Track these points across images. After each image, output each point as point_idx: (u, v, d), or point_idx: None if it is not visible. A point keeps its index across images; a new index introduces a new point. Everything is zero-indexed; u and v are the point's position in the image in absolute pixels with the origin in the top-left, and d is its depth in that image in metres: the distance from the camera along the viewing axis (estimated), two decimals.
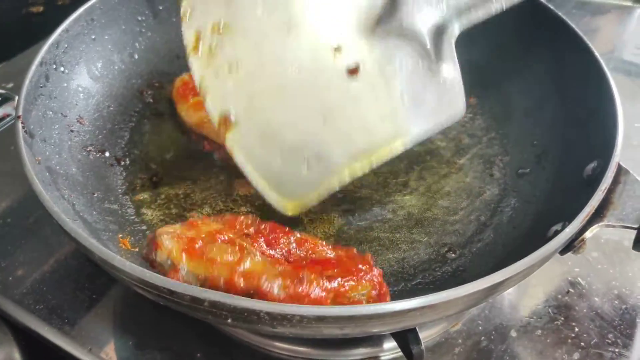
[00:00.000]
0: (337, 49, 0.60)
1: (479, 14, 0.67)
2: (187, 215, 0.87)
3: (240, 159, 0.61)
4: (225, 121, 0.61)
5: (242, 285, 0.65)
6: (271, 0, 0.59)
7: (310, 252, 0.71)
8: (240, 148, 0.61)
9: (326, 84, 0.60)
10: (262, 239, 0.70)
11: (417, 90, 0.63)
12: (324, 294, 0.66)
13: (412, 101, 0.62)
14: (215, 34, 0.61)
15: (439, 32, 0.64)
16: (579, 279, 0.91)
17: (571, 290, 0.89)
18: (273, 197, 0.62)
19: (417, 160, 0.98)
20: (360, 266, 0.70)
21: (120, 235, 0.81)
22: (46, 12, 1.47)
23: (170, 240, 0.70)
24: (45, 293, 0.85)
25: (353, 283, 0.70)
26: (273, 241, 0.69)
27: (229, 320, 0.60)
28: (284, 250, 0.71)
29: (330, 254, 0.71)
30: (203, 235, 0.69)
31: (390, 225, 0.87)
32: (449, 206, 0.90)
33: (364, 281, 0.70)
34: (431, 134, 0.65)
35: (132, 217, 0.86)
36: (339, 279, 0.67)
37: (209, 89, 0.62)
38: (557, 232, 0.68)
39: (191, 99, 1.00)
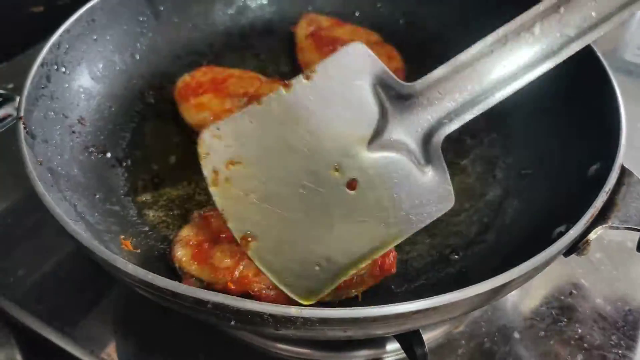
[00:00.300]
0: (337, 168, 0.71)
1: (465, 118, 0.74)
2: (189, 216, 0.86)
3: (261, 267, 0.71)
4: (246, 239, 0.72)
5: (236, 290, 0.71)
6: (275, 134, 0.71)
7: None
8: (260, 259, 0.72)
9: (329, 199, 0.71)
10: None
11: (410, 193, 0.71)
12: None
13: (406, 203, 0.72)
14: (230, 169, 0.72)
15: (427, 139, 0.73)
16: (582, 280, 0.90)
17: (574, 291, 0.89)
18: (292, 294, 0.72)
19: None
20: None
21: (123, 237, 0.80)
22: (47, 11, 1.47)
23: (181, 250, 0.76)
24: (46, 294, 0.86)
25: None
26: None
27: (233, 323, 0.59)
28: None
29: None
30: (211, 235, 0.77)
31: None
32: (452, 207, 0.89)
33: None
34: (424, 225, 0.74)
35: (134, 219, 0.86)
36: None
37: (230, 216, 0.72)
38: (561, 234, 0.68)
39: (193, 99, 1.00)
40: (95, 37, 1.00)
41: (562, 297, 0.88)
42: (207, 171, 0.72)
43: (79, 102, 0.95)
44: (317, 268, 0.70)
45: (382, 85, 0.72)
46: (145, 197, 0.90)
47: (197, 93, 1.00)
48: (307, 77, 0.71)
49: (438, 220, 0.87)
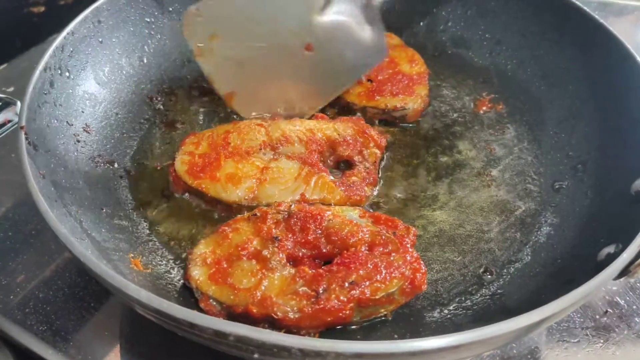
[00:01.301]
0: (296, 34, 0.95)
1: None
2: (204, 231, 0.81)
3: (241, 113, 1.00)
4: (229, 95, 1.00)
5: (258, 313, 0.68)
6: (245, 11, 0.94)
7: (339, 242, 0.74)
8: (239, 109, 1.00)
9: (291, 59, 0.97)
10: (291, 238, 0.75)
11: (354, 50, 0.96)
12: (343, 305, 0.67)
13: (351, 57, 0.96)
14: (212, 41, 0.96)
15: (368, 2, 0.95)
16: (617, 298, 0.85)
17: (609, 310, 0.83)
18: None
19: (445, 172, 0.92)
20: (391, 257, 0.71)
21: (132, 255, 0.75)
22: (48, 12, 1.42)
23: (198, 269, 0.73)
24: (47, 311, 0.80)
25: (379, 285, 0.69)
26: (302, 239, 0.75)
27: (256, 355, 0.54)
28: (312, 246, 0.75)
29: (365, 235, 0.75)
30: (230, 251, 0.74)
31: (421, 243, 0.81)
32: (483, 222, 0.84)
33: (395, 280, 0.69)
34: (365, 73, 0.99)
35: (144, 235, 0.81)
36: (364, 285, 0.68)
37: (215, 78, 0.99)
38: (610, 256, 0.63)
39: (216, 175, 0.85)
40: (101, 40, 0.96)
41: (597, 317, 0.82)
42: (193, 46, 0.96)
43: (84, 108, 0.90)
44: (280, 110, 0.98)
45: None
46: (156, 210, 0.85)
47: (214, 167, 0.85)
48: None
49: (467, 236, 0.83)
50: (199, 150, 0.88)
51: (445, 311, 0.72)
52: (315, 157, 0.87)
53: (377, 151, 0.91)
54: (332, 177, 0.86)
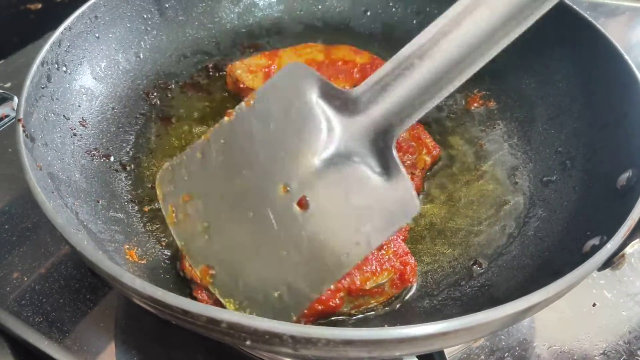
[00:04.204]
0: (286, 188, 0.68)
1: (414, 117, 0.69)
2: None
3: (222, 299, 0.68)
4: (206, 273, 0.69)
5: None
6: (222, 164, 0.71)
7: None
8: (220, 291, 0.68)
9: (279, 221, 0.67)
10: None
11: (368, 203, 0.67)
12: (332, 294, 0.67)
13: (365, 214, 0.66)
14: (185, 204, 0.72)
15: (379, 144, 0.69)
16: (605, 291, 0.86)
17: (597, 303, 0.85)
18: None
19: (437, 166, 0.93)
20: (382, 250, 0.71)
21: (127, 246, 0.76)
22: (44, 9, 1.43)
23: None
24: (43, 303, 0.81)
25: (369, 276, 0.69)
26: None
27: (248, 342, 0.55)
28: None
29: None
30: None
31: (412, 236, 0.83)
32: (473, 216, 0.85)
33: (385, 272, 0.70)
34: (392, 235, 0.71)
35: (139, 226, 0.82)
36: (353, 274, 0.68)
37: (188, 251, 0.71)
38: (594, 247, 0.64)
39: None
40: (97, 35, 0.96)
41: (584, 310, 0.84)
42: (165, 210, 0.72)
43: (81, 103, 0.91)
44: (276, 295, 0.66)
45: (325, 97, 0.70)
46: (151, 203, 0.86)
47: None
48: (247, 103, 0.71)
49: (457, 229, 0.84)
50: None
51: (435, 301, 0.74)
52: None
53: (428, 159, 0.89)
54: None
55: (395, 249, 0.74)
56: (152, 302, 0.56)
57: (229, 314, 0.53)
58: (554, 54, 1.00)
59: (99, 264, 0.58)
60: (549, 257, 0.76)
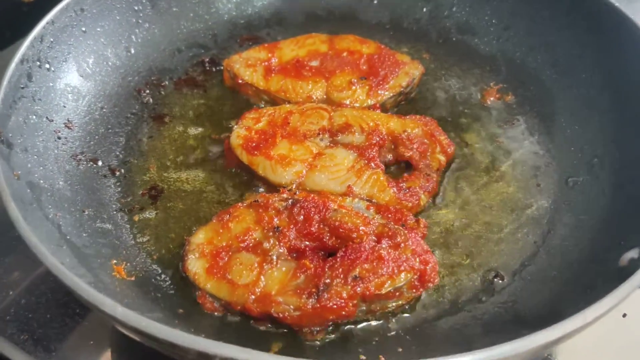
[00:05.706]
0: None
1: None
2: (192, 232, 0.76)
3: None
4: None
5: (257, 311, 0.66)
6: None
7: (344, 234, 0.69)
8: None
9: None
10: (293, 228, 0.71)
11: None
12: (345, 303, 0.64)
13: None
14: None
15: None
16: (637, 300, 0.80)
17: (627, 313, 0.78)
18: None
19: (451, 167, 0.86)
20: (400, 249, 0.67)
21: (115, 262, 0.70)
22: (37, 2, 1.37)
23: (195, 260, 0.70)
24: (29, 320, 0.76)
25: (385, 279, 0.66)
26: (305, 230, 0.71)
27: None
28: (315, 238, 0.70)
29: (372, 227, 0.70)
30: (229, 242, 0.71)
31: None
32: (492, 222, 0.79)
33: (403, 273, 0.66)
34: None
35: (128, 239, 0.76)
36: (368, 280, 0.65)
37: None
38: (634, 262, 0.58)
39: (270, 152, 0.83)
40: (84, 29, 0.91)
41: (613, 321, 0.77)
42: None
43: (66, 103, 0.85)
44: None
45: None
46: (142, 212, 0.80)
47: (268, 145, 0.83)
48: None
49: (476, 237, 0.77)
50: (256, 126, 0.86)
51: (453, 321, 0.67)
52: (374, 151, 0.82)
53: (442, 158, 0.84)
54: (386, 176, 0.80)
55: (414, 247, 0.68)
56: (136, 332, 0.50)
57: (222, 348, 0.47)
58: (577, 42, 0.93)
59: (76, 289, 0.52)
60: (578, 270, 0.69)
